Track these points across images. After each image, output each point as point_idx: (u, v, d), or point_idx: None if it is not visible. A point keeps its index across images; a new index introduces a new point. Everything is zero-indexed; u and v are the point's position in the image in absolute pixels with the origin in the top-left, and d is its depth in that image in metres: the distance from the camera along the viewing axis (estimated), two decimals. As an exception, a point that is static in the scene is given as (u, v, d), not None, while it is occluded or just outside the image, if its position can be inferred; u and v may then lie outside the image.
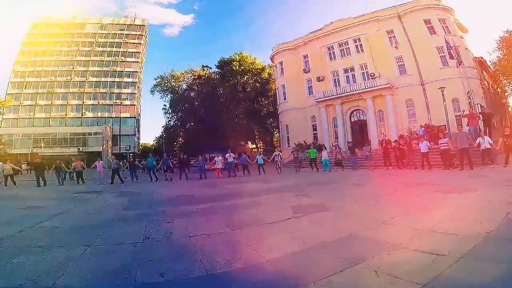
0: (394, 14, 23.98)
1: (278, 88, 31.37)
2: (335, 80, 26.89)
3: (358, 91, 24.55)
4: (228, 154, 16.01)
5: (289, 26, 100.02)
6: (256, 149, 38.04)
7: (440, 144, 12.67)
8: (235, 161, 16.44)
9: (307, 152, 17.86)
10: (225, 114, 30.70)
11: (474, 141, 11.78)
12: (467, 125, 16.39)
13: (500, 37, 23.89)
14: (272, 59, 32.58)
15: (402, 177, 10.43)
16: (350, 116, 25.71)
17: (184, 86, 38.67)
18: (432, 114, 20.67)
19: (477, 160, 11.41)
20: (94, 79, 50.92)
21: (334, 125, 26.11)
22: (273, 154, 17.00)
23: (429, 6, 22.68)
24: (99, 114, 50.73)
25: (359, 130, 24.96)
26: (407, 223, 3.98)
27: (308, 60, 29.03)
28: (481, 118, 16.86)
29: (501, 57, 23.61)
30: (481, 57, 23.12)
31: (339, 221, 4.39)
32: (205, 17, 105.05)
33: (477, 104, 18.76)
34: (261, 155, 16.98)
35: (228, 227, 4.37)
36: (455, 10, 23.21)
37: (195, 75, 37.08)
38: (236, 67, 35.62)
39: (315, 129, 27.64)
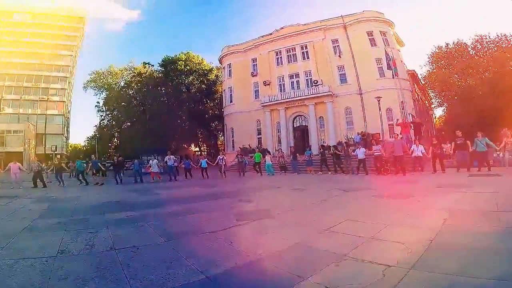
0: (340, 24, 24.51)
1: (225, 90, 29.95)
2: (280, 85, 26.47)
3: (301, 97, 24.37)
4: (168, 157, 15.14)
5: (243, 28, 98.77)
6: (199, 152, 35.83)
7: (374, 150, 12.89)
8: (177, 165, 15.67)
9: (252, 156, 17.46)
10: (166, 114, 28.00)
11: (409, 149, 12.15)
12: (400, 134, 16.89)
13: (431, 52, 25.98)
14: (220, 60, 31.21)
15: (341, 182, 10.33)
16: (293, 121, 25.40)
17: (122, 84, 34.88)
18: (368, 122, 21.10)
19: (408, 167, 11.81)
20: (17, 71, 43.79)
21: (278, 130, 25.52)
22: (217, 158, 16.34)
23: (373, 18, 23.64)
24: (21, 111, 43.69)
25: (301, 135, 24.72)
26: (351, 230, 3.81)
27: (256, 64, 28.29)
28: (412, 127, 17.34)
29: (430, 71, 25.52)
30: (414, 70, 24.67)
31: (284, 229, 4.16)
32: (152, 14, 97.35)
33: (409, 114, 19.52)
34: (206, 159, 16.49)
35: (162, 237, 3.87)
36: (395, 24, 24.49)
37: (135, 72, 33.66)
38: (181, 66, 33.33)
39: (260, 133, 26.73)
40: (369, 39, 23.12)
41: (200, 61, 35.51)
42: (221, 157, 16.06)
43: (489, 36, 23.37)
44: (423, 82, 25.96)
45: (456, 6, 74.06)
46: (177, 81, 32.39)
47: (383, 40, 23.01)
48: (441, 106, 26.43)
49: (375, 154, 12.70)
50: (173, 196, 8.75)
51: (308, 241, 3.47)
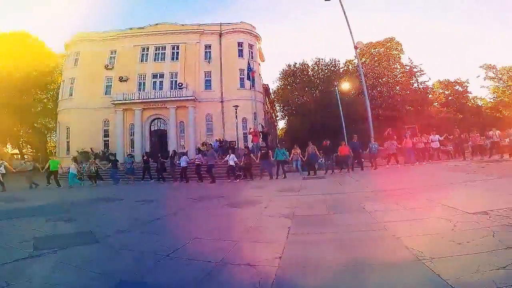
0: (217, 31, 24.17)
1: (64, 81, 23.80)
2: (140, 83, 23.42)
3: (163, 99, 22.23)
4: None
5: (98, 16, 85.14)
6: (19, 156, 27.00)
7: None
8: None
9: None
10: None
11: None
12: (252, 142, 17.30)
13: (283, 69, 29.39)
14: (67, 46, 24.89)
15: (192, 191, 9.77)
16: (151, 124, 22.67)
17: None
18: (227, 130, 21.14)
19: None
20: None
21: (131, 133, 21.99)
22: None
23: (247, 30, 24.33)
24: None
25: (159, 140, 22.17)
26: (204, 252, 3.03)
27: (115, 57, 24.10)
28: (261, 136, 18.12)
29: (279, 86, 28.87)
30: (267, 85, 27.15)
31: (111, 259, 3.04)
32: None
33: (260, 124, 20.62)
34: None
35: None
36: (262, 39, 26.28)
37: None
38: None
39: (107, 136, 22.27)
40: (238, 49, 23.72)
41: (39, 43, 27.61)
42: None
43: (324, 60, 28.63)
44: (273, 96, 29.10)
45: (317, 28, 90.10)
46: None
47: (249, 52, 24.09)
48: (283, 119, 30.29)
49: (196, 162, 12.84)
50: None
51: (146, 276, 2.55)
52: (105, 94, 22.78)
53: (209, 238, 3.66)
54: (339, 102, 20.00)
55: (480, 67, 32.35)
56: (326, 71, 28.79)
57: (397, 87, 27.07)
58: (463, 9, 72.90)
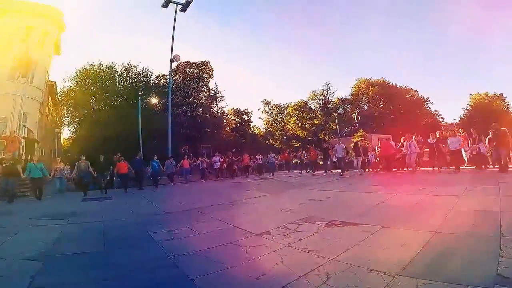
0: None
1: None
2: None
3: None
4: None
5: None
6: None
7: None
8: None
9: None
10: None
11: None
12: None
13: (82, 68, 24.68)
14: None
15: None
16: None
17: None
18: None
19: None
20: None
21: None
22: None
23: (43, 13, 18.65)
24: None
25: None
26: None
27: None
28: (23, 144, 13.96)
29: (72, 87, 24.15)
30: (55, 82, 21.90)
31: None
32: None
33: (26, 127, 15.98)
34: None
35: None
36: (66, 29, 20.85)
37: None
38: None
39: None
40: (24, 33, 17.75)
41: None
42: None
43: (137, 67, 27.31)
44: (60, 97, 23.94)
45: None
46: None
47: (39, 40, 18.54)
48: (70, 126, 26.31)
49: None
50: None
51: None
52: None
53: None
54: (140, 114, 19.47)
55: (262, 101, 43.14)
56: (135, 80, 27.47)
57: (200, 109, 30.28)
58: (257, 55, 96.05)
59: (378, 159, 13.51)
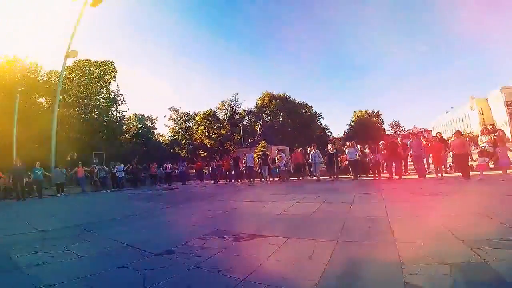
0: None
1: None
2: None
3: None
4: None
5: None
6: None
7: None
8: None
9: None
10: None
11: None
12: None
13: None
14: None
15: None
16: None
17: None
18: None
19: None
20: None
21: None
22: None
23: None
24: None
25: None
26: None
27: None
28: None
29: None
30: None
31: None
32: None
33: None
34: None
35: None
36: None
37: None
38: None
39: None
40: None
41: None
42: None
43: (24, 62, 23.28)
44: None
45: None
46: None
47: None
48: None
49: None
50: None
51: None
52: None
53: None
54: (16, 113, 16.35)
55: (169, 108, 42.12)
56: (19, 75, 22.81)
57: (97, 112, 27.41)
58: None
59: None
